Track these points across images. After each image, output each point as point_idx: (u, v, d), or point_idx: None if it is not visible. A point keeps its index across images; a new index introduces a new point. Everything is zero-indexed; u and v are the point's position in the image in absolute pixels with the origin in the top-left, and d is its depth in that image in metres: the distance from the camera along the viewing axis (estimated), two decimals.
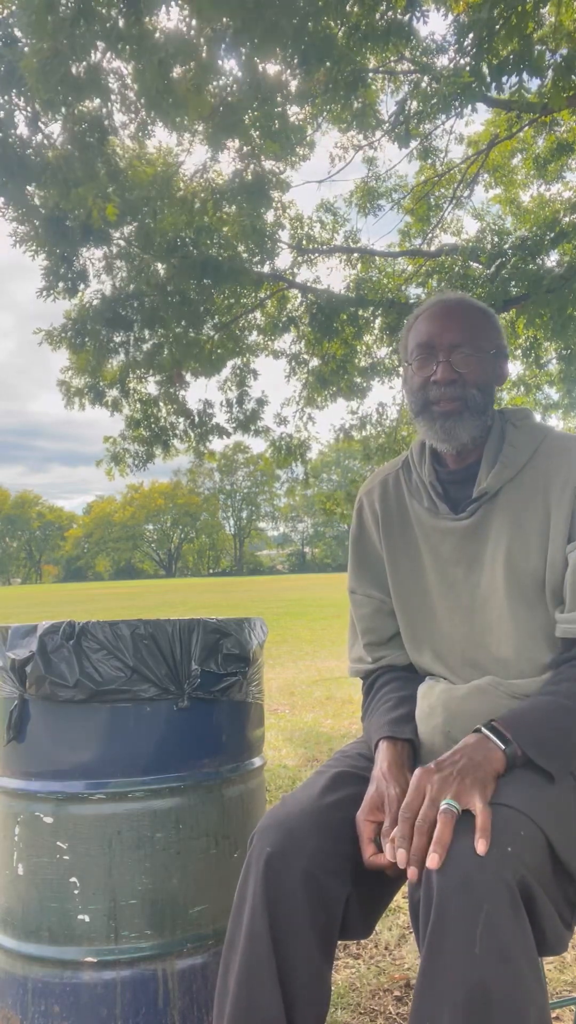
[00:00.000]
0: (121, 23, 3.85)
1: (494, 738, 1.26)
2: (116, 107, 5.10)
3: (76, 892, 1.63)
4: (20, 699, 1.70)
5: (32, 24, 3.63)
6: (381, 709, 1.53)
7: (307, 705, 6.95)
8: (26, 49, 4.49)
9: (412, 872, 1.14)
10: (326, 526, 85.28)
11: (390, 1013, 1.96)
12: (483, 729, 1.28)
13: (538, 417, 1.62)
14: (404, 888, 1.33)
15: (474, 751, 1.24)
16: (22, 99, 4.81)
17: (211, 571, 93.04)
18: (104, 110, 4.82)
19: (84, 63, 4.03)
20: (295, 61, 4.32)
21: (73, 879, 1.63)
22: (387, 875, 1.30)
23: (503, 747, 1.25)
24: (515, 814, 1.15)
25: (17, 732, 1.71)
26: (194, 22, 3.96)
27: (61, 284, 7.25)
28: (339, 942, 1.35)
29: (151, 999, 1.62)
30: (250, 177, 6.37)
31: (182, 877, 1.67)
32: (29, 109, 4.90)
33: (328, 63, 4.40)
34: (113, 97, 4.88)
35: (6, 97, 4.70)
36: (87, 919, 1.62)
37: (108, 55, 4.30)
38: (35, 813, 1.67)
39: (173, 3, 3.93)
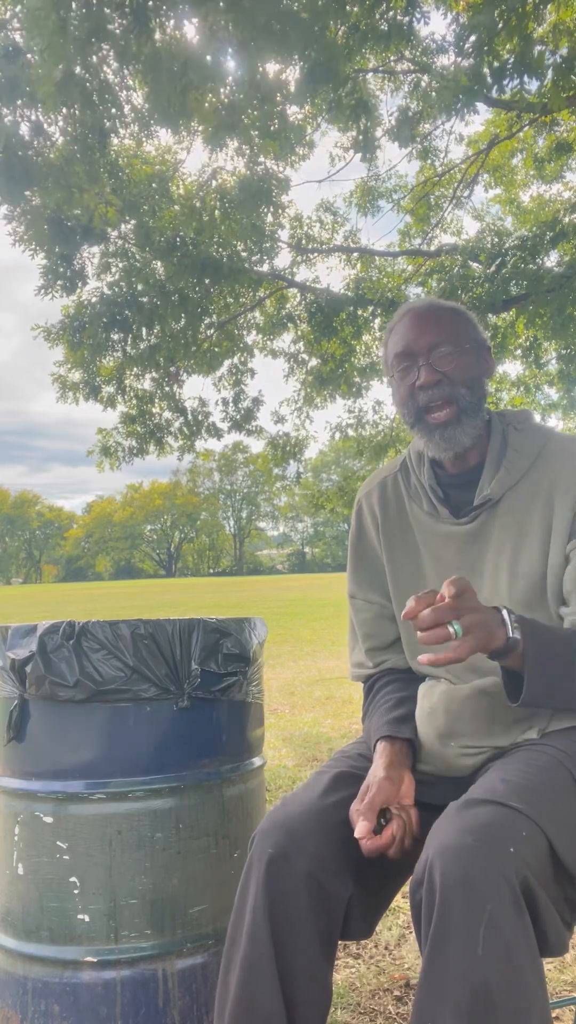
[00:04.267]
0: (131, 38, 3.85)
1: (511, 628, 1.23)
2: (121, 111, 5.10)
3: (76, 892, 1.63)
4: (20, 699, 1.70)
5: (47, 49, 3.64)
6: (381, 709, 1.53)
7: (307, 705, 6.95)
8: (28, 56, 4.50)
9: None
10: (326, 526, 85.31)
11: (390, 1013, 1.96)
12: (504, 613, 1.24)
13: (538, 418, 1.62)
14: (405, 888, 1.33)
15: (489, 620, 1.21)
16: (24, 108, 4.81)
17: (211, 571, 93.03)
18: (108, 114, 4.82)
19: (96, 80, 4.05)
20: (302, 77, 4.34)
21: (73, 879, 1.63)
22: (388, 875, 1.30)
23: (509, 635, 1.22)
24: (517, 815, 1.15)
25: (17, 732, 1.71)
26: (200, 37, 3.96)
27: (60, 283, 7.25)
28: (339, 942, 1.35)
29: (151, 999, 1.62)
30: (249, 176, 6.37)
31: (182, 877, 1.67)
32: (32, 116, 4.90)
33: (333, 84, 4.41)
34: (119, 103, 4.88)
35: (10, 107, 4.70)
36: (87, 919, 1.62)
37: (120, 69, 4.31)
38: (35, 813, 1.67)
39: (182, 18, 3.94)
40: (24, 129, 4.84)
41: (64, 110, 4.41)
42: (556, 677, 1.28)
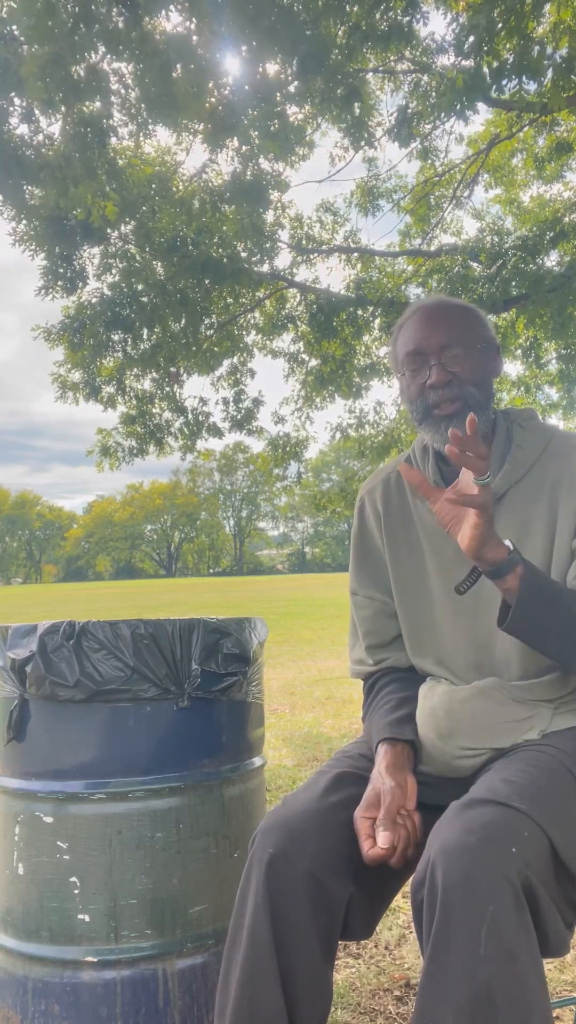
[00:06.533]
0: (121, 26, 3.84)
1: (512, 547, 1.31)
2: (116, 108, 5.09)
3: (76, 892, 1.63)
4: (20, 699, 1.70)
5: (32, 28, 3.63)
6: (382, 710, 1.53)
7: (307, 705, 6.95)
8: (23, 48, 4.49)
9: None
10: (326, 526, 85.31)
11: (390, 1013, 1.96)
12: (506, 540, 1.33)
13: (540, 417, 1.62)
14: (405, 888, 1.33)
15: (497, 546, 1.30)
16: (19, 98, 4.81)
17: (211, 571, 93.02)
18: (104, 110, 4.81)
19: (84, 65, 4.03)
20: (293, 68, 4.34)
21: (73, 879, 1.63)
22: (388, 875, 1.30)
23: (511, 548, 1.30)
24: (519, 815, 1.15)
25: (17, 732, 1.71)
26: (192, 25, 3.95)
27: (60, 283, 7.25)
28: (339, 942, 1.35)
29: (151, 999, 1.62)
30: (249, 177, 6.36)
31: (182, 877, 1.67)
32: (26, 107, 4.90)
33: (323, 75, 4.40)
34: (113, 98, 4.87)
35: (4, 97, 4.69)
36: (87, 919, 1.62)
37: (108, 57, 4.30)
38: (35, 813, 1.67)
39: (172, 7, 3.93)
40: (15, 120, 4.84)
41: (63, 107, 4.40)
42: (546, 608, 1.32)
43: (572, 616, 1.33)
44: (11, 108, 4.81)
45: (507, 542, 1.32)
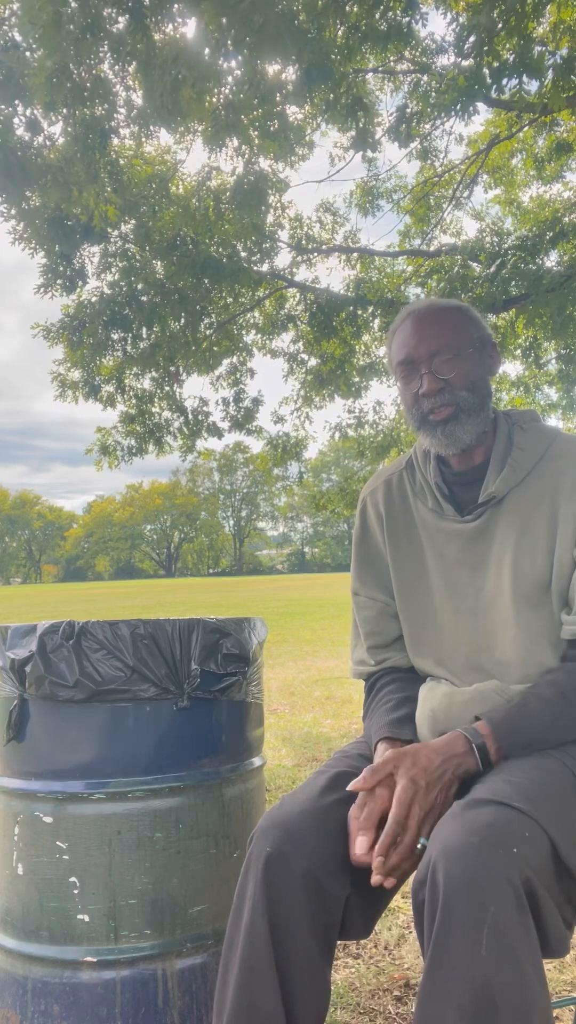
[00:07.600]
0: (128, 36, 3.85)
1: (477, 755, 1.30)
2: (120, 112, 5.09)
3: (76, 892, 1.63)
4: (20, 699, 1.70)
5: (39, 38, 3.63)
6: (382, 710, 1.53)
7: (307, 705, 6.95)
8: (27, 54, 4.49)
9: (375, 880, 1.21)
10: (326, 525, 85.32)
11: (390, 1013, 1.96)
12: (469, 737, 1.31)
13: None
14: (404, 888, 1.33)
15: (458, 764, 1.28)
16: (22, 105, 4.81)
17: (211, 571, 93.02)
18: (108, 114, 4.82)
19: (90, 73, 4.05)
20: (297, 77, 4.35)
21: (73, 879, 1.63)
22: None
23: (480, 767, 1.30)
24: (520, 815, 1.15)
25: (17, 732, 1.71)
26: (197, 34, 3.95)
27: (59, 282, 7.25)
28: (339, 942, 1.35)
29: (151, 999, 1.62)
30: (250, 177, 6.36)
31: (182, 877, 1.67)
32: (30, 113, 4.91)
33: (328, 85, 4.42)
34: (117, 101, 4.88)
35: (7, 103, 4.70)
36: (87, 919, 1.62)
37: (115, 66, 4.31)
38: (35, 813, 1.67)
39: (177, 16, 3.94)
40: (18, 124, 4.85)
41: (64, 110, 4.41)
42: (529, 742, 1.34)
43: (553, 727, 1.34)
44: (14, 114, 4.81)
45: (462, 731, 1.31)
